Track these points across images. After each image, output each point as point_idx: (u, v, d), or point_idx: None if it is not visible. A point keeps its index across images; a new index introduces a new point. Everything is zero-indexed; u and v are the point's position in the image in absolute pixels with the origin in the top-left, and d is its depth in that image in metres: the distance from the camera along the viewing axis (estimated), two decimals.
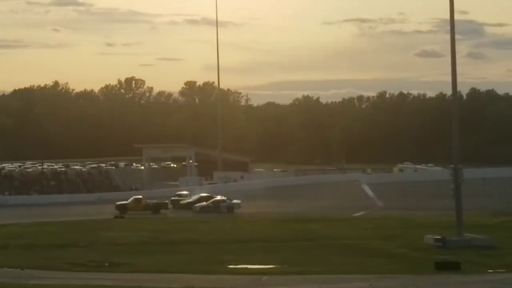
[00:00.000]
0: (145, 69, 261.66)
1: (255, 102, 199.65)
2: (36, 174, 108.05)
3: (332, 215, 69.18)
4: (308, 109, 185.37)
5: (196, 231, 57.41)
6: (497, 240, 48.14)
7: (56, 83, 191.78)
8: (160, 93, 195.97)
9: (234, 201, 78.71)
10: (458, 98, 65.42)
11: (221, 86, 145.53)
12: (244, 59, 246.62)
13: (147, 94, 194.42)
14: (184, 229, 58.70)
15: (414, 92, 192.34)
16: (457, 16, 50.63)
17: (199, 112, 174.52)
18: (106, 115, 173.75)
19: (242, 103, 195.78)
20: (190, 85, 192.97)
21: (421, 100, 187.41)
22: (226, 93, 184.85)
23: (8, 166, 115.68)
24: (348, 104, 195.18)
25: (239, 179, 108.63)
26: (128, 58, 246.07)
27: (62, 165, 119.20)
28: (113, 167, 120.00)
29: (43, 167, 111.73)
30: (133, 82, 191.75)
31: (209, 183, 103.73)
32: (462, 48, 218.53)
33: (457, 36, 50.69)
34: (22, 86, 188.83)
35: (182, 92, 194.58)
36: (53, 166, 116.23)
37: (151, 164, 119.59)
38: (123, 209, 76.68)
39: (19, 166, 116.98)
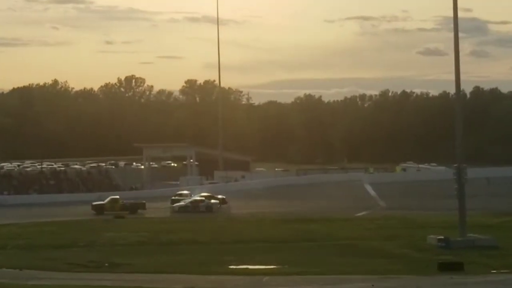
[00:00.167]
0: (145, 67, 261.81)
1: (256, 100, 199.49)
2: (35, 174, 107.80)
3: (334, 215, 68.97)
4: (309, 107, 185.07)
5: (197, 232, 57.12)
6: (501, 240, 47.81)
7: (55, 82, 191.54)
8: (161, 92, 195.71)
9: (213, 201, 78.67)
10: (462, 97, 65.08)
11: (222, 85, 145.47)
12: (245, 58, 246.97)
13: (147, 92, 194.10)
14: (184, 230, 58.40)
15: (417, 90, 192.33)
16: (460, 14, 50.35)
17: (199, 111, 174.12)
18: (106, 114, 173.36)
19: (243, 102, 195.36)
20: (190, 83, 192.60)
21: (424, 98, 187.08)
22: (227, 92, 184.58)
23: (7, 165, 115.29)
24: (350, 103, 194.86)
25: (240, 179, 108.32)
26: (128, 56, 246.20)
27: (62, 164, 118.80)
28: (113, 167, 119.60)
29: (42, 166, 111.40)
30: (133, 80, 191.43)
31: (210, 183, 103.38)
32: (465, 46, 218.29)
33: (460, 34, 50.45)
34: (21, 85, 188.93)
35: (182, 91, 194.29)
36: (52, 165, 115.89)
37: (151, 163, 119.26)
38: (99, 209, 76.38)
39: (18, 166, 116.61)
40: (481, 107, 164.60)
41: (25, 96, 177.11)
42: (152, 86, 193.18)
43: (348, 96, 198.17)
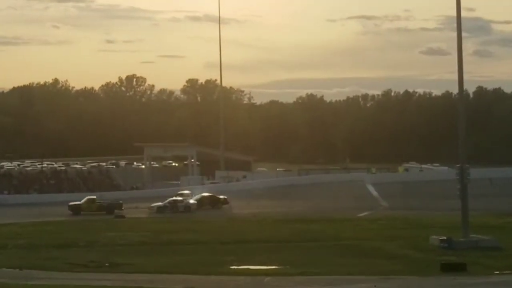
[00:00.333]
0: (146, 66, 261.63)
1: (258, 100, 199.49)
2: (35, 173, 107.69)
3: (336, 215, 68.93)
4: (312, 107, 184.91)
5: (197, 232, 57.11)
6: (504, 241, 47.63)
7: (55, 81, 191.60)
8: (162, 91, 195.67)
9: (191, 201, 78.93)
10: (465, 97, 64.64)
11: (223, 84, 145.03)
12: (247, 57, 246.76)
13: (148, 92, 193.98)
14: (185, 230, 58.39)
15: (420, 90, 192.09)
16: (463, 13, 50.04)
17: (201, 110, 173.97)
18: (107, 113, 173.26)
19: (245, 101, 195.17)
20: (192, 82, 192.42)
21: (427, 98, 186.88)
22: (229, 91, 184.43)
23: (7, 164, 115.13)
24: (352, 103, 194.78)
25: (242, 179, 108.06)
26: (129, 55, 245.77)
27: (62, 163, 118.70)
28: (114, 166, 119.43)
29: (43, 165, 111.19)
30: (134, 79, 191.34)
31: (211, 183, 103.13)
32: (468, 46, 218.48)
33: (463, 34, 50.18)
34: (21, 84, 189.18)
35: (183, 90, 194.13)
36: (53, 165, 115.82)
37: (152, 163, 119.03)
38: (76, 209, 76.19)
39: (18, 165, 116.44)
40: (484, 107, 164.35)
41: (26, 95, 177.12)
42: (153, 86, 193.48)
43: (350, 96, 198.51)
